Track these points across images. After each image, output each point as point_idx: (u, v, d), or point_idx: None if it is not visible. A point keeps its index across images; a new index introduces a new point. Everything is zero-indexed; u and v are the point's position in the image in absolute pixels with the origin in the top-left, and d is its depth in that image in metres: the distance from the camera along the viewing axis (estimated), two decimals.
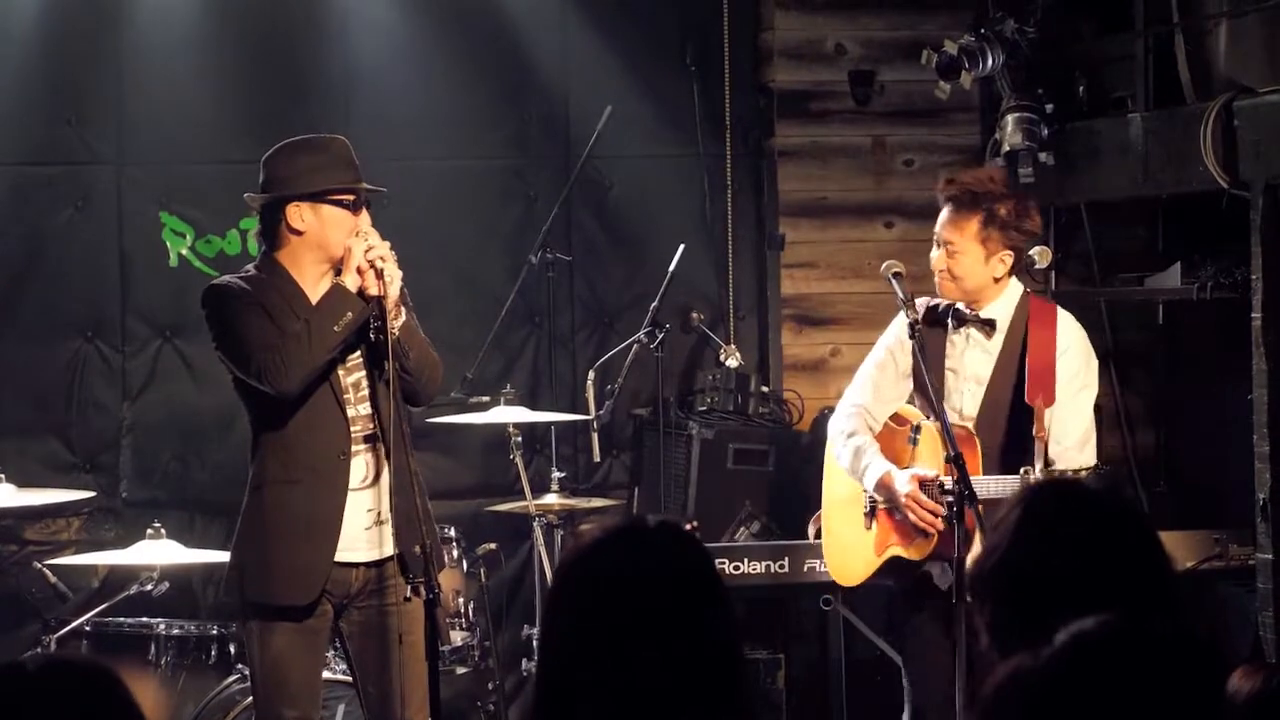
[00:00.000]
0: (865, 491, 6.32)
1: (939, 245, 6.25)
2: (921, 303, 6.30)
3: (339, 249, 5.70)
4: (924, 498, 6.07)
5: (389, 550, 5.74)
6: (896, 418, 6.36)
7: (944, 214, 6.26)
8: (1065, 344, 6.24)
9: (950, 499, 5.80)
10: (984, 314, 6.23)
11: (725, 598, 3.01)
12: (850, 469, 6.30)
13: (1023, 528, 3.16)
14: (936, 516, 6.03)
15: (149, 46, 8.48)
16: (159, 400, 8.53)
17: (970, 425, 6.14)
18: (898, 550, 6.22)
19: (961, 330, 6.27)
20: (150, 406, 8.53)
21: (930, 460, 6.14)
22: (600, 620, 2.90)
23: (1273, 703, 2.90)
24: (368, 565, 5.77)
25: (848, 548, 6.45)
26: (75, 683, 2.71)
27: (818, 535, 6.67)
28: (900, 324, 6.29)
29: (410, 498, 5.63)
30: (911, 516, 6.07)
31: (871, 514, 6.31)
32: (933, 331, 6.27)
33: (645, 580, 2.92)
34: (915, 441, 6.23)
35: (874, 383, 6.37)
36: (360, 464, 5.73)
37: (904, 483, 6.12)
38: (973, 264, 6.19)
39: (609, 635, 2.88)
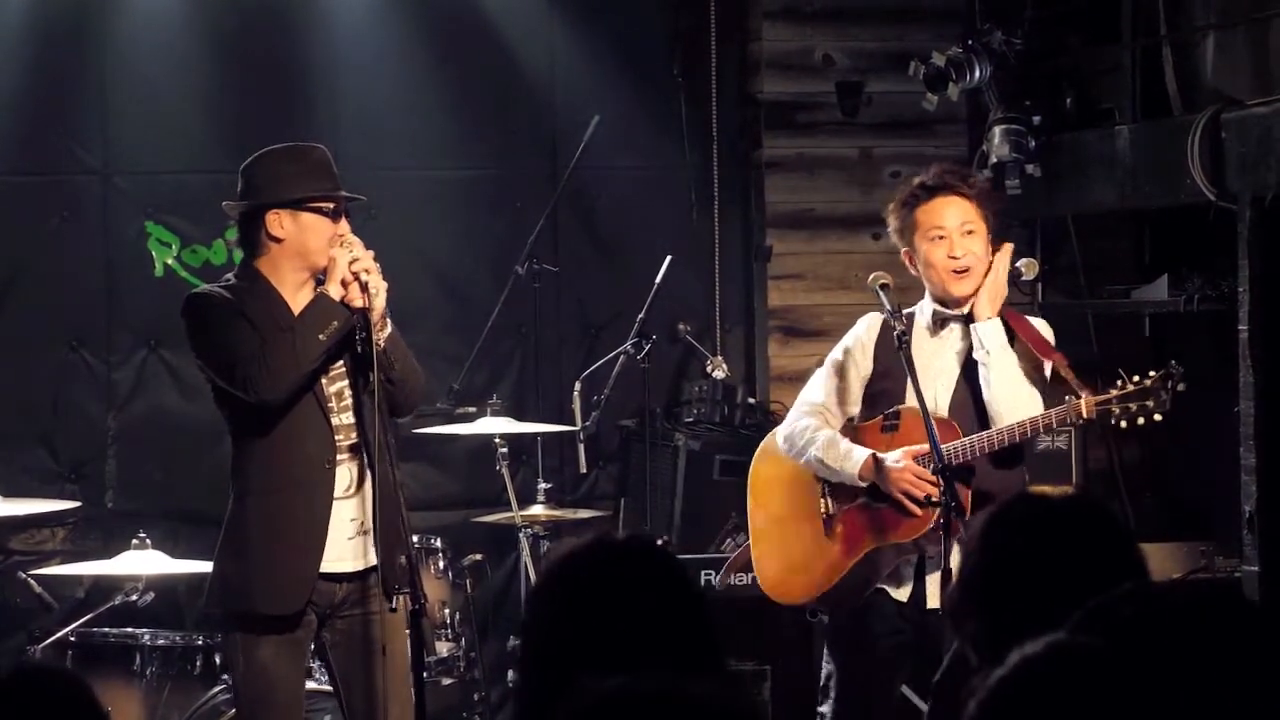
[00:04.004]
0: (824, 496, 6.16)
1: (949, 234, 6.03)
2: (879, 314, 6.14)
3: (319, 257, 5.70)
4: (921, 469, 5.91)
5: (371, 560, 5.72)
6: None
7: (949, 200, 6.08)
8: (1039, 321, 6.26)
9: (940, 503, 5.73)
10: (968, 309, 6.10)
11: (705, 611, 3.00)
12: (820, 460, 6.09)
13: (989, 539, 3.16)
14: (936, 487, 5.89)
15: (135, 56, 8.47)
16: (145, 410, 8.51)
17: (944, 414, 6.08)
18: (877, 544, 6.05)
19: (942, 331, 6.15)
20: (136, 416, 8.51)
21: (910, 442, 6.00)
22: (577, 634, 2.89)
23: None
24: (351, 576, 5.75)
25: (800, 562, 6.27)
26: (43, 690, 2.70)
27: (741, 569, 6.58)
28: (861, 330, 6.19)
29: (395, 509, 5.63)
30: (911, 490, 5.91)
31: (830, 520, 6.17)
32: (897, 335, 6.02)
33: (620, 592, 2.92)
34: (893, 428, 6.08)
35: (834, 387, 6.20)
36: (344, 473, 5.72)
37: (896, 459, 5.97)
38: (986, 250, 6.07)
39: (587, 647, 2.87)
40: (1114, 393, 6.06)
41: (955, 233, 6.04)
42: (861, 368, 6.20)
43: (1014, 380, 6.03)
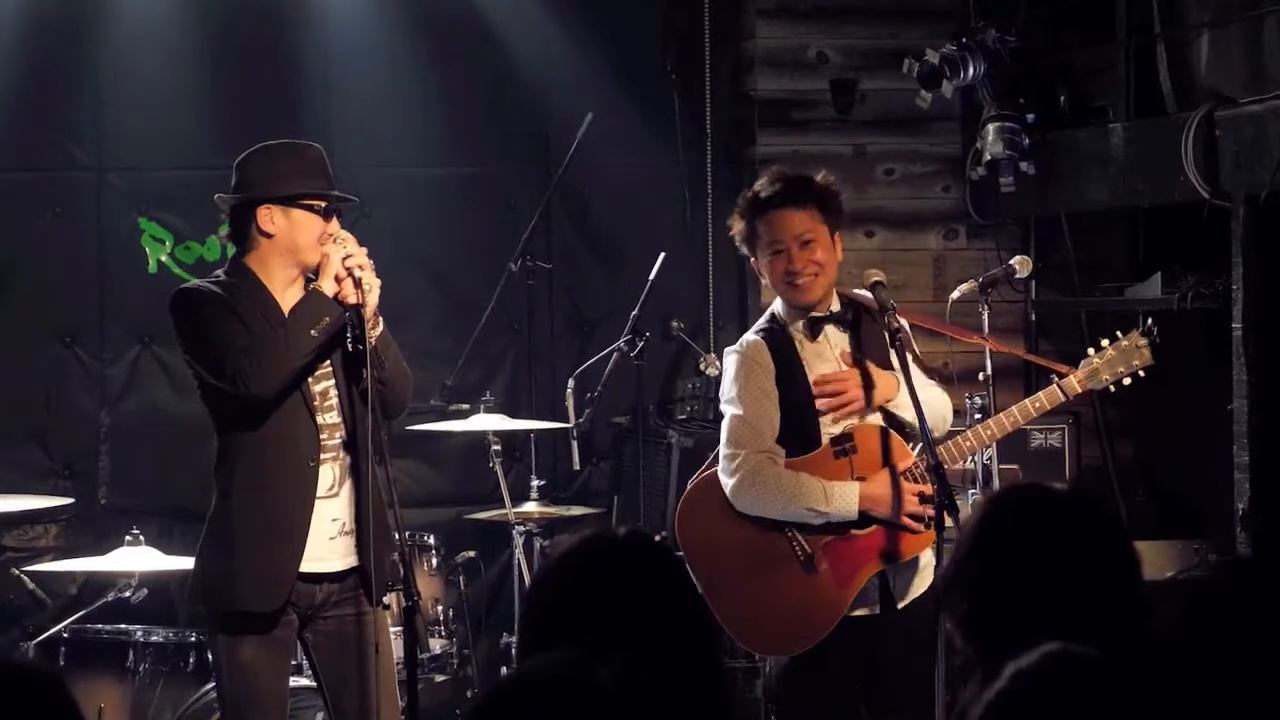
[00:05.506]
0: (795, 538, 5.91)
1: (787, 247, 5.92)
2: (754, 338, 6.05)
3: (308, 254, 5.68)
4: (915, 485, 5.80)
5: (355, 560, 5.71)
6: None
7: (783, 214, 5.95)
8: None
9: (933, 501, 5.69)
10: (835, 307, 6.02)
11: (701, 607, 3.01)
12: (810, 508, 5.84)
13: (987, 529, 3.16)
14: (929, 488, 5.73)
15: (129, 53, 8.48)
16: (138, 407, 8.52)
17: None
18: (881, 567, 5.90)
19: (821, 336, 6.02)
20: (129, 413, 8.51)
21: (873, 463, 5.90)
22: (576, 628, 2.89)
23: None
24: (333, 576, 5.72)
25: (795, 611, 5.94)
26: (17, 687, 2.69)
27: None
28: (762, 358, 5.97)
29: (382, 509, 5.61)
30: (918, 511, 5.77)
31: (811, 560, 5.90)
32: (783, 352, 5.98)
33: (619, 587, 2.92)
34: (847, 452, 5.92)
35: (765, 425, 5.94)
36: (327, 472, 5.68)
37: (889, 483, 5.84)
38: (828, 253, 5.98)
39: (585, 642, 2.87)
40: (1097, 360, 6.08)
41: (793, 245, 5.95)
42: (773, 397, 5.98)
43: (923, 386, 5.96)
